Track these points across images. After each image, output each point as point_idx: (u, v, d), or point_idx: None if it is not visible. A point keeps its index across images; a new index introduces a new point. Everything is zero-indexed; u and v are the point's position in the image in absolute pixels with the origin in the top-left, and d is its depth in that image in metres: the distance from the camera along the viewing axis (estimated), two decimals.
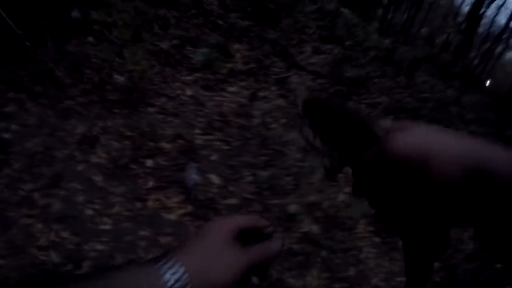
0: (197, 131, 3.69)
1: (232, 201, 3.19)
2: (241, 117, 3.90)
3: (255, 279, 0.61)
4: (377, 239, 3.39)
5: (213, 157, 3.50)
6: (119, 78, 3.92)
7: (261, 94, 4.26)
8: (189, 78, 4.30)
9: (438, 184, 0.42)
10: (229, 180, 3.34)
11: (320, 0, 6.02)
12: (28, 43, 3.97)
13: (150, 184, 3.17)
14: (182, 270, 0.50)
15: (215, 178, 3.28)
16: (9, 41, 4.00)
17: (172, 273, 0.50)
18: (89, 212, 2.85)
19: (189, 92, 4.12)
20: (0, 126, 3.51)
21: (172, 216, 2.98)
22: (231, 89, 4.26)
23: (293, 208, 3.25)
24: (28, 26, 4.24)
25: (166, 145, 3.48)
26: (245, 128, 3.79)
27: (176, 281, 0.49)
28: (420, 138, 0.44)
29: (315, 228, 3.16)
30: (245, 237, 0.58)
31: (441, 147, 0.42)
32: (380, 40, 5.44)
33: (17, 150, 3.33)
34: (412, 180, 0.44)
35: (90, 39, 4.37)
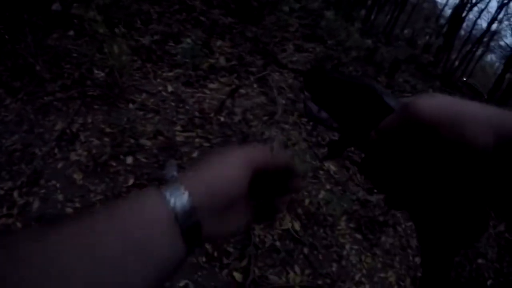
0: (177, 128, 3.67)
1: None
2: (222, 114, 3.89)
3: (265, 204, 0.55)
4: (358, 236, 3.41)
5: (194, 154, 3.48)
6: (100, 74, 3.87)
7: (243, 91, 4.25)
8: (170, 74, 4.28)
9: (472, 153, 0.37)
10: None
11: None
12: (7, 36, 3.90)
13: (130, 181, 3.14)
14: (186, 192, 0.46)
15: None
16: None
17: (175, 196, 0.46)
18: (69, 210, 2.81)
19: (170, 88, 4.09)
20: None
21: None
22: (212, 85, 4.25)
23: None
24: (7, 18, 4.16)
25: (146, 142, 3.45)
26: (226, 125, 3.78)
27: (180, 204, 0.45)
28: (448, 102, 0.39)
29: (297, 225, 3.17)
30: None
31: (473, 112, 0.37)
32: (362, 40, 5.48)
33: None
34: (442, 149, 0.38)
35: (71, 33, 4.31)
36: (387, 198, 0.45)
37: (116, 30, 4.13)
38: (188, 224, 0.45)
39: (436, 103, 0.39)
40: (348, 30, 5.56)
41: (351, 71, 5.18)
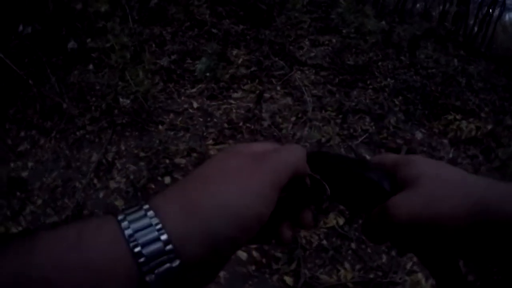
0: (209, 142, 3.70)
1: None
2: (250, 122, 3.90)
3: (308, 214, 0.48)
4: None
5: None
6: (125, 101, 3.94)
7: (267, 95, 4.26)
8: (193, 90, 4.32)
9: (445, 238, 0.42)
10: None
11: None
12: (31, 81, 4.02)
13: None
14: (152, 215, 0.32)
15: None
16: (12, 83, 4.06)
17: (136, 224, 0.32)
18: None
19: (195, 104, 4.13)
20: (17, 166, 3.56)
21: None
22: (236, 95, 4.27)
23: None
24: (28, 64, 4.29)
25: (181, 161, 3.49)
26: (256, 132, 3.79)
27: (140, 229, 0.31)
28: (424, 200, 0.42)
29: (341, 221, 3.14)
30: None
31: (449, 213, 0.41)
32: (376, 24, 5.40)
33: (37, 187, 3.38)
34: (420, 237, 0.44)
35: (91, 67, 4.41)
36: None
37: (134, 57, 4.21)
38: (159, 272, 0.31)
39: (411, 207, 0.42)
40: (361, 15, 5.50)
41: (371, 57, 5.12)
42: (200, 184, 0.36)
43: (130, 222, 0.32)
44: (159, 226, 0.32)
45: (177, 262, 0.32)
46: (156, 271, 0.31)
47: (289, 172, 0.40)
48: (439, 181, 0.43)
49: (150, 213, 0.33)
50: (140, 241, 0.31)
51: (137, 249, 0.30)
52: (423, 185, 0.43)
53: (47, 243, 0.30)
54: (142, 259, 0.30)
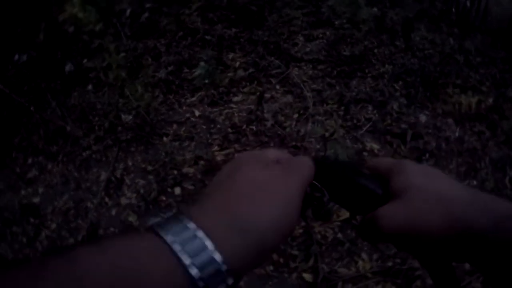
0: (215, 148, 3.71)
1: None
2: (253, 123, 3.91)
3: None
4: None
5: None
6: (127, 117, 3.97)
7: (267, 95, 4.26)
8: (193, 99, 4.33)
9: (424, 250, 0.46)
10: None
11: None
12: (32, 108, 4.06)
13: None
14: (202, 236, 0.32)
15: None
16: (14, 111, 4.10)
17: (178, 235, 0.32)
18: None
19: (197, 112, 4.15)
20: (28, 193, 3.59)
21: None
22: (237, 98, 4.28)
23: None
24: (27, 92, 4.33)
25: (189, 170, 3.51)
26: (260, 133, 3.80)
27: (195, 254, 0.31)
28: (405, 211, 0.46)
29: None
30: None
31: (430, 225, 0.44)
32: (368, 11, 5.39)
33: (49, 211, 3.41)
34: (407, 246, 0.48)
35: (90, 87, 4.44)
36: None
37: (131, 72, 4.23)
38: None
39: (394, 219, 0.46)
40: (352, 4, 5.48)
41: (366, 45, 5.11)
42: (242, 200, 0.37)
43: (183, 245, 0.31)
44: (212, 248, 0.32)
45: (231, 281, 0.33)
46: None
47: (307, 182, 0.45)
48: (424, 195, 0.46)
49: (200, 234, 0.32)
50: (197, 263, 0.31)
51: (194, 273, 0.30)
52: (409, 198, 0.47)
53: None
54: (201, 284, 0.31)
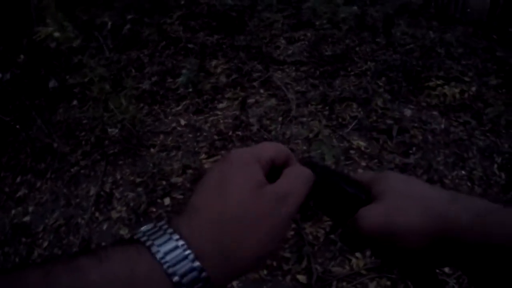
0: (202, 156, 3.72)
1: None
2: (239, 129, 3.92)
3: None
4: None
5: None
6: (114, 131, 3.96)
7: (252, 100, 4.28)
8: (179, 108, 4.34)
9: (406, 252, 0.46)
10: None
11: None
12: (18, 126, 4.05)
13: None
14: (181, 243, 0.34)
15: None
16: (0, 130, 4.09)
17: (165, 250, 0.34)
18: None
19: (183, 121, 4.15)
20: (18, 212, 3.58)
21: None
22: (222, 105, 4.28)
23: None
24: (12, 110, 4.32)
25: (177, 179, 3.51)
26: (247, 138, 3.81)
27: (184, 274, 0.33)
28: (384, 210, 0.47)
29: None
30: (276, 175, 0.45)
31: (407, 223, 0.45)
32: (347, 10, 5.43)
33: (41, 229, 3.40)
34: (381, 248, 0.49)
35: (75, 102, 4.44)
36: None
37: (115, 85, 4.23)
38: None
39: (375, 219, 0.47)
40: (332, 4, 5.52)
41: (348, 44, 5.14)
42: (228, 227, 0.37)
43: (173, 267, 0.33)
44: (199, 267, 0.34)
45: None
46: None
47: (301, 203, 0.43)
48: (403, 195, 0.47)
49: (191, 256, 0.34)
50: (179, 272, 0.33)
51: (175, 280, 0.33)
52: (388, 198, 0.48)
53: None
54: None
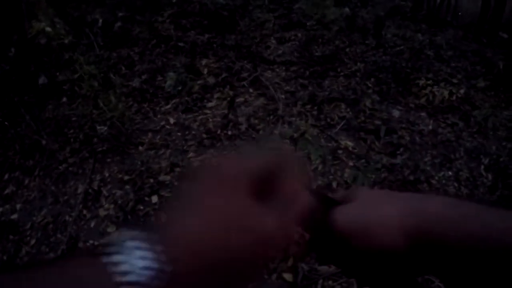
0: (190, 154, 3.72)
1: None
2: (228, 128, 3.93)
3: None
4: None
5: None
6: (102, 128, 3.95)
7: (241, 99, 4.29)
8: (168, 106, 4.34)
9: (382, 253, 0.43)
10: None
11: None
12: (6, 123, 4.02)
13: (163, 218, 3.20)
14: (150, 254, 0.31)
15: None
16: None
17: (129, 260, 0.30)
18: None
19: (172, 120, 4.16)
20: (6, 209, 3.56)
21: None
22: (211, 104, 4.29)
23: None
24: (1, 106, 4.29)
25: (165, 178, 3.51)
26: (235, 137, 3.82)
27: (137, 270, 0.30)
28: (362, 214, 0.45)
29: None
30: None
31: (382, 221, 0.44)
32: (337, 11, 5.46)
33: (28, 227, 3.38)
34: (356, 250, 0.45)
35: (64, 99, 4.41)
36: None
37: (104, 83, 4.23)
38: None
39: (350, 217, 0.45)
40: (323, 5, 5.55)
41: (338, 45, 5.17)
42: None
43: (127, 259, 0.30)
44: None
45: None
46: None
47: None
48: (374, 196, 0.48)
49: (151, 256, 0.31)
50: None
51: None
52: (363, 198, 0.47)
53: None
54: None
